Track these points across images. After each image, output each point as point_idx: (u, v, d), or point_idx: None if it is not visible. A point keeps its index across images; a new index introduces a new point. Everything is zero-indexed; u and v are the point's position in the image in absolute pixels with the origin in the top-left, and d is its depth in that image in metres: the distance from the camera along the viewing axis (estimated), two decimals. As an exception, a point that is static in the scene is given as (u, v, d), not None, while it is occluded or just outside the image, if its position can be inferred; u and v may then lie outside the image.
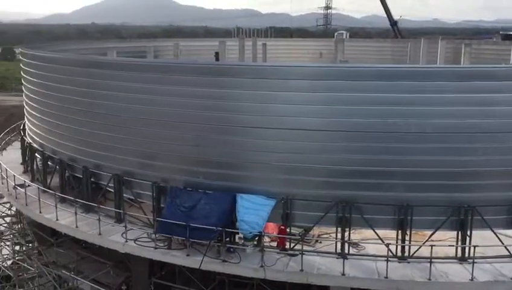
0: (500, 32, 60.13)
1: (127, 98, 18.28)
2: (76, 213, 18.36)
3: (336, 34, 59.58)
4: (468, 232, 15.58)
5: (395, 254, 15.59)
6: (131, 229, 17.40)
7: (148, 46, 39.77)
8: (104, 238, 17.61)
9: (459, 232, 15.74)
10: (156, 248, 16.54)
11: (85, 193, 19.77)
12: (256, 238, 16.22)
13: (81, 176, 20.03)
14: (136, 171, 18.39)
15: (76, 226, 18.34)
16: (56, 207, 19.07)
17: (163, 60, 33.96)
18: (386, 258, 14.90)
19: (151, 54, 38.35)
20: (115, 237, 17.47)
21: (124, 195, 18.87)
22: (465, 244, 15.60)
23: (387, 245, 15.28)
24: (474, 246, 15.03)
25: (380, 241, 15.65)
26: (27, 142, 24.51)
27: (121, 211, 18.48)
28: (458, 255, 15.72)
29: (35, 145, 23.47)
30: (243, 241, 16.44)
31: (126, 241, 17.02)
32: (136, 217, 18.25)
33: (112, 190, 18.96)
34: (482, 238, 15.69)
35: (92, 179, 19.75)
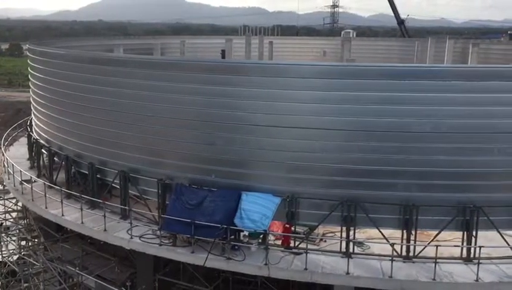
0: (509, 32, 59.74)
1: (134, 95, 18.33)
2: (82, 209, 18.43)
3: (342, 32, 59.46)
4: (474, 233, 15.52)
5: (400, 253, 15.56)
6: (137, 225, 17.46)
7: (155, 43, 39.89)
8: (110, 234, 17.66)
9: (465, 233, 15.69)
10: (161, 245, 16.58)
11: (91, 189, 19.85)
12: (261, 236, 16.23)
13: (87, 172, 20.11)
14: (142, 168, 18.43)
15: (82, 222, 18.41)
16: (62, 203, 19.15)
17: (170, 58, 34.03)
18: (390, 258, 14.89)
19: (157, 51, 38.45)
20: (120, 233, 17.53)
21: (130, 192, 18.92)
22: (470, 244, 15.54)
23: (392, 245, 15.25)
24: (480, 247, 14.97)
25: (385, 240, 15.62)
26: (34, 138, 24.63)
27: (127, 207, 18.54)
28: (463, 256, 15.66)
29: (41, 141, 23.58)
30: (247, 239, 16.45)
31: (131, 237, 17.07)
32: (141, 213, 18.30)
33: (118, 187, 19.02)
34: (487, 239, 15.64)
35: (97, 176, 19.82)
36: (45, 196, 19.82)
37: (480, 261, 14.76)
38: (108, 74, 19.29)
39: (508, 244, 15.39)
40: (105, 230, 17.73)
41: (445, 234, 15.86)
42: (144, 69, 18.44)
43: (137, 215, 18.15)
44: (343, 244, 15.95)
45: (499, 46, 42.73)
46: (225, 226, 15.55)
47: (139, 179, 18.55)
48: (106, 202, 18.69)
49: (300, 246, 15.98)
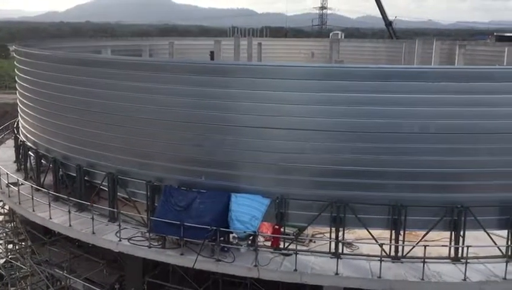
0: (495, 34, 60.45)
1: (122, 96, 18.24)
2: (69, 212, 18.27)
3: (331, 34, 59.69)
4: (462, 233, 15.65)
5: (388, 253, 15.64)
6: (125, 228, 17.34)
7: (144, 44, 39.72)
8: (98, 237, 17.54)
9: (453, 233, 15.81)
10: (150, 247, 16.49)
11: (78, 191, 19.69)
12: (250, 238, 16.22)
13: (74, 175, 19.95)
14: (131, 170, 18.33)
15: (70, 225, 18.25)
16: (49, 206, 18.97)
17: (158, 59, 33.90)
18: (379, 258, 14.94)
19: (146, 52, 38.29)
20: (109, 236, 17.41)
21: (118, 194, 18.80)
22: (458, 244, 15.67)
23: (381, 245, 15.32)
24: (468, 247, 15.10)
25: (373, 241, 15.69)
26: (20, 140, 24.38)
27: (115, 210, 18.41)
28: (451, 256, 15.79)
29: (28, 143, 23.34)
30: (237, 240, 16.43)
31: (120, 240, 16.96)
32: (130, 216, 18.19)
33: (106, 189, 18.88)
34: (475, 238, 15.78)
35: (85, 178, 19.67)
36: (32, 198, 19.62)
37: (468, 260, 14.90)
38: (96, 75, 19.15)
39: (495, 244, 15.56)
40: (93, 233, 17.59)
41: (434, 234, 15.97)
42: (133, 70, 18.35)
43: (125, 218, 18.03)
44: (333, 245, 15.99)
45: (485, 48, 43.15)
46: (214, 227, 15.52)
47: (127, 181, 18.43)
48: (94, 205, 18.56)
49: (289, 247, 15.98)
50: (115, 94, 18.48)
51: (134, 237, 17.07)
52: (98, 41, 40.45)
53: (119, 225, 17.23)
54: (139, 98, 17.78)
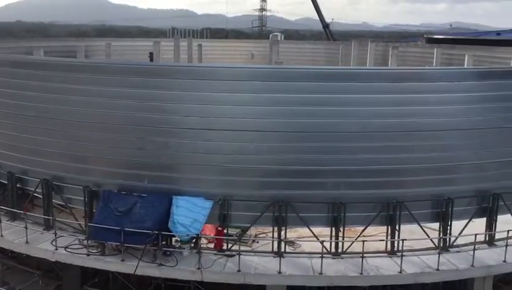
0: (425, 36, 63.39)
1: (57, 99, 17.57)
2: (0, 221, 17.38)
3: (271, 35, 60.36)
4: (397, 227, 16.30)
5: (329, 250, 16.02)
6: (62, 236, 16.73)
7: (79, 45, 38.38)
8: (32, 246, 16.79)
9: (389, 227, 16.43)
10: (88, 255, 15.98)
11: (10, 199, 18.76)
12: (193, 241, 16.09)
13: (5, 182, 18.98)
14: (67, 176, 17.69)
15: (1, 235, 17.37)
16: (-22, 216, 17.93)
17: (96, 60, 32.90)
18: (320, 255, 15.29)
19: (81, 53, 37.05)
20: (44, 245, 16.71)
21: (54, 201, 18.09)
22: (394, 238, 16.30)
23: (321, 242, 15.68)
24: (403, 240, 15.74)
25: (315, 238, 16.02)
26: None
27: (50, 217, 17.69)
28: (388, 249, 16.40)
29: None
30: (179, 244, 16.25)
31: (56, 249, 16.33)
32: (66, 223, 17.56)
33: (40, 196, 18.10)
34: (410, 232, 16.49)
35: (18, 185, 18.76)
36: (-41, 209, 18.47)
37: (404, 253, 15.53)
38: (27, 77, 18.31)
39: (428, 237, 16.34)
40: (27, 242, 16.82)
41: (371, 229, 16.55)
42: (68, 72, 17.72)
43: (62, 225, 17.39)
44: (275, 244, 16.17)
45: (416, 49, 45.22)
46: (156, 232, 15.26)
47: (63, 187, 17.77)
48: (28, 213, 17.74)
49: (233, 248, 16.01)
50: (49, 97, 17.76)
51: (72, 245, 16.49)
52: (30, 42, 38.57)
53: (55, 233, 16.59)
54: (76, 101, 17.20)
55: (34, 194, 18.39)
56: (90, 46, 40.70)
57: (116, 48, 40.22)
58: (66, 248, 16.33)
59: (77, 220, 17.44)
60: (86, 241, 16.23)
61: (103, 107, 16.91)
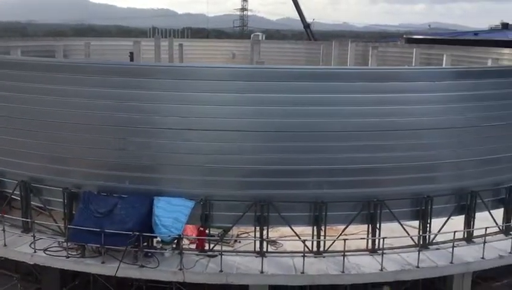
0: (404, 36, 64.16)
1: (35, 100, 17.27)
2: (-23, 224, 17.01)
3: (252, 35, 60.42)
4: (378, 225, 16.46)
5: (311, 249, 16.10)
6: (41, 238, 16.46)
7: (57, 45, 37.89)
8: (10, 249, 16.47)
9: (370, 226, 16.58)
10: (67, 257, 15.76)
11: (-13, 202, 18.37)
12: (175, 241, 16.00)
13: (-18, 184, 18.60)
14: (45, 177, 17.40)
15: (-22, 239, 17.00)
16: (-46, 219, 17.51)
17: (76, 60, 32.51)
18: (302, 254, 15.35)
19: (60, 53, 36.58)
20: (23, 247, 16.42)
21: (32, 203, 17.78)
22: (374, 236, 16.46)
23: (303, 241, 15.75)
24: (383, 238, 15.90)
25: (297, 238, 16.08)
26: None
27: (29, 220, 17.40)
28: (369, 248, 16.54)
29: None
30: (161, 245, 16.14)
31: (35, 251, 16.07)
32: (45, 225, 17.27)
33: (18, 198, 17.78)
34: (391, 230, 16.67)
35: (-5, 187, 18.40)
36: None
37: (384, 251, 15.69)
38: (3, 78, 17.98)
39: (408, 234, 16.54)
40: (5, 245, 16.50)
41: (352, 228, 16.68)
42: (46, 72, 17.44)
43: (41, 228, 17.11)
44: (257, 244, 16.18)
45: (395, 49, 45.76)
46: (137, 233, 15.14)
47: (42, 188, 17.48)
48: (5, 215, 17.40)
49: (215, 248, 15.97)
50: (26, 97, 17.44)
51: (51, 247, 16.24)
52: (6, 41, 37.91)
53: (34, 236, 16.34)
54: (54, 102, 16.94)
55: (12, 196, 18.06)
56: (69, 46, 40.23)
57: (95, 47, 39.81)
58: (45, 250, 16.08)
59: (56, 222, 17.18)
60: (65, 244, 16.00)
61: (83, 108, 16.69)
